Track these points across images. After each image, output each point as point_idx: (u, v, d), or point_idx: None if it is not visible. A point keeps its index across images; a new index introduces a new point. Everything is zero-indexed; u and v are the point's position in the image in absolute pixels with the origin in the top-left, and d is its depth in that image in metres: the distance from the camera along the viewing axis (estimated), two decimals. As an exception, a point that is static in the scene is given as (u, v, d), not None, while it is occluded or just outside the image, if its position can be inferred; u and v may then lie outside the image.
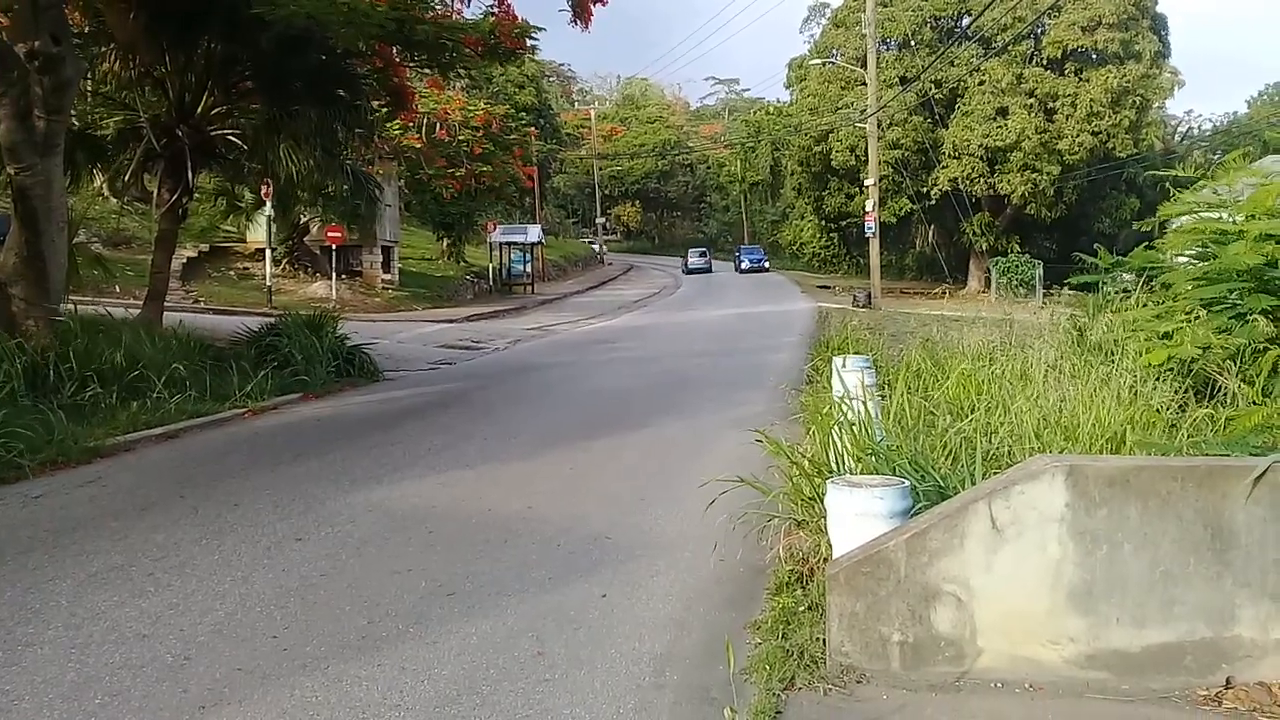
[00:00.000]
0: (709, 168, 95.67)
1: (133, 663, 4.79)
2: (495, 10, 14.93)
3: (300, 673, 4.71)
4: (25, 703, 4.35)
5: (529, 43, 15.63)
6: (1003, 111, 44.00)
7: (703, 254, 68.75)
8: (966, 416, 7.09)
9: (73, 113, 14.61)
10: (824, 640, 4.75)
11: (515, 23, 14.89)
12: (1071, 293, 16.84)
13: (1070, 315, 13.24)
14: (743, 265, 65.74)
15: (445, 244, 44.29)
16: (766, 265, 66.11)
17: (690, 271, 64.71)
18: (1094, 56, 44.29)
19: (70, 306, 12.77)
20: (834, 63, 50.52)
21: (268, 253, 27.75)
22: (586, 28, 14.45)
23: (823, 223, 58.03)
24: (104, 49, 15.08)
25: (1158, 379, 8.38)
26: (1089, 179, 44.99)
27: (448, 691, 4.53)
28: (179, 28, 14.61)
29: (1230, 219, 10.28)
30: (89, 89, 15.79)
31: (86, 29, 14.99)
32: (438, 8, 14.78)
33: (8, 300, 11.39)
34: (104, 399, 10.82)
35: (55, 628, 5.19)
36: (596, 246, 79.04)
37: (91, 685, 4.54)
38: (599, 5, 14.36)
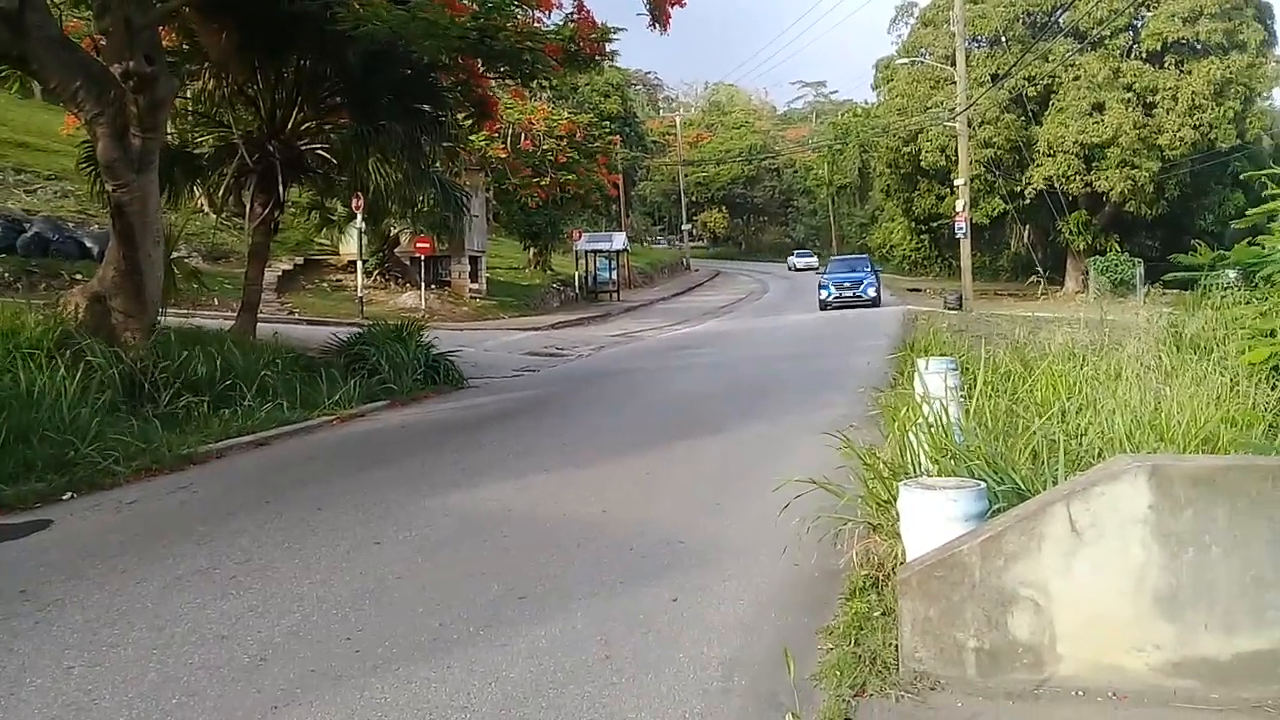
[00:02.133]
0: (796, 172, 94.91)
1: (211, 663, 4.90)
2: (574, 16, 15.02)
3: (371, 674, 4.76)
4: (105, 701, 4.48)
5: (608, 48, 15.73)
6: (1099, 107, 42.79)
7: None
8: (1054, 418, 6.87)
9: (170, 131, 15.17)
10: (897, 646, 4.64)
11: (594, 27, 14.96)
12: (1173, 291, 16.29)
13: (1169, 314, 12.78)
14: (826, 296, 36.77)
15: (532, 253, 44.75)
16: (873, 292, 37.23)
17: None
18: (1196, 48, 42.83)
19: (166, 318, 13.22)
20: (922, 62, 49.78)
21: (359, 264, 28.34)
22: (665, 30, 14.45)
23: (913, 225, 57.17)
24: (198, 68, 15.60)
25: (1259, 378, 8.03)
26: (1191, 174, 43.42)
27: (515, 694, 4.54)
28: (269, 46, 15.03)
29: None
30: (186, 108, 16.35)
31: (182, 48, 15.53)
32: (519, 16, 14.92)
33: (107, 312, 11.82)
34: (197, 408, 11.13)
35: (139, 629, 5.34)
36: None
37: (170, 685, 4.65)
38: (677, 7, 14.35)
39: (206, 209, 23.65)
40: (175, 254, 15.99)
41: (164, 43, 13.83)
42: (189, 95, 16.10)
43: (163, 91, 12.16)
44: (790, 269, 75.98)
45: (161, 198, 14.13)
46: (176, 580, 6.15)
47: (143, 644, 5.14)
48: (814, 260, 76.69)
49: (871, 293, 37.14)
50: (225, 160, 16.10)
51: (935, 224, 53.04)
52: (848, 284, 37.10)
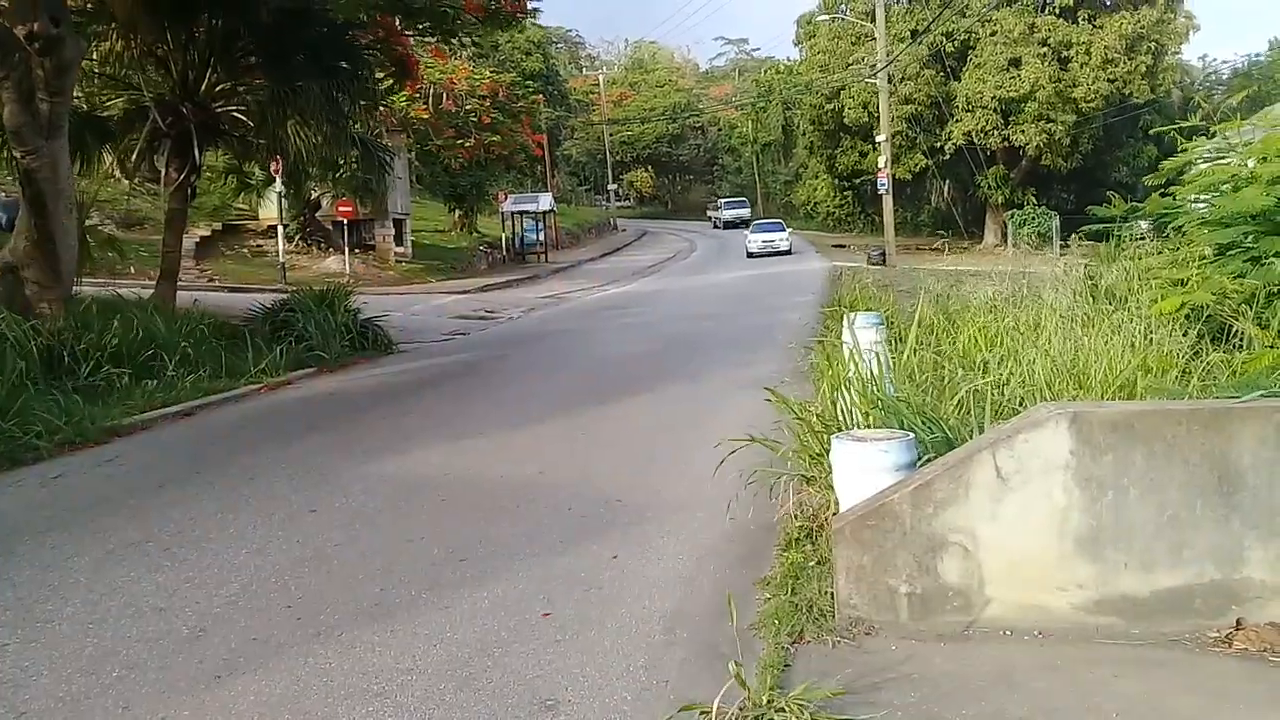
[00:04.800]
0: (720, 130, 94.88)
1: (149, 636, 4.85)
2: (495, -27, 14.83)
3: (314, 640, 4.76)
4: (44, 678, 4.42)
5: (530, 5, 15.54)
6: (1015, 62, 43.38)
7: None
8: (978, 369, 7.07)
9: (77, 95, 14.62)
10: (832, 594, 4.77)
11: (515, -15, 14.81)
12: (1088, 243, 16.71)
13: (1085, 265, 13.14)
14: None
15: (457, 215, 44.20)
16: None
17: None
18: (1107, 3, 43.64)
19: (83, 288, 12.86)
20: (843, 18, 49.92)
21: (280, 229, 27.73)
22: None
23: (836, 181, 57.55)
24: (104, 28, 15.02)
25: (1172, 325, 8.32)
26: (1105, 127, 44.39)
27: (459, 654, 4.58)
28: (177, 4, 14.55)
29: (1243, 163, 10.16)
30: (93, 70, 15.78)
31: (87, 7, 14.95)
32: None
33: (20, 284, 11.48)
34: (119, 379, 10.88)
35: (74, 604, 5.26)
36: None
37: (109, 659, 4.60)
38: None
39: (118, 175, 22.95)
40: (88, 222, 15.52)
41: (68, 2, 13.31)
42: (95, 57, 15.51)
43: (70, 53, 11.73)
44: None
45: (72, 164, 13.67)
46: (109, 554, 6.06)
47: (78, 619, 5.07)
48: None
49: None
50: (137, 124, 15.61)
51: (858, 180, 53.49)
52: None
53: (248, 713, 4.09)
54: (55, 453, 8.76)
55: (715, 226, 64.37)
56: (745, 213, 62.03)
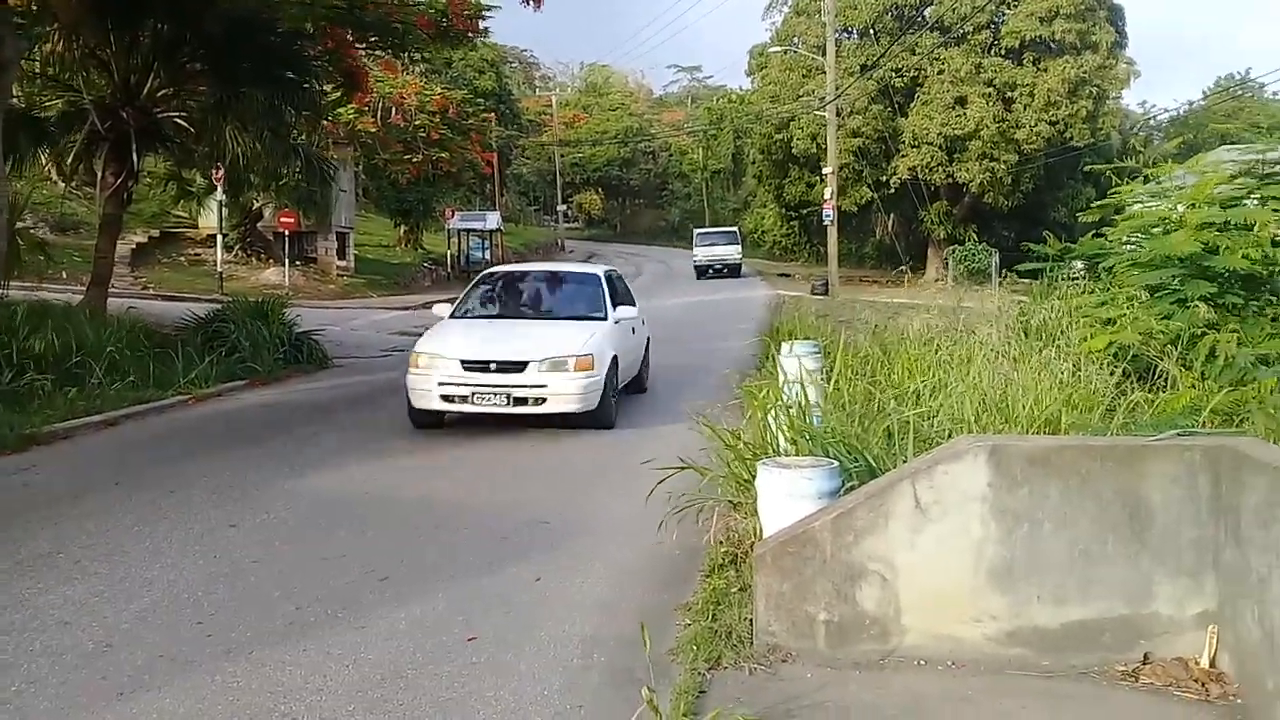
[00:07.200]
0: (671, 155, 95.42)
1: (52, 650, 4.71)
2: (448, -11, 14.80)
3: (224, 658, 4.65)
4: (-65, 691, 4.27)
5: (481, 24, 15.53)
6: (961, 101, 44.22)
7: None
8: (908, 400, 7.14)
9: (15, 94, 14.32)
10: (752, 620, 4.76)
11: (467, 3, 14.76)
12: (1025, 281, 17.01)
13: (1020, 302, 13.36)
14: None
15: (403, 231, 43.92)
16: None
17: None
18: (1052, 46, 44.61)
19: (9, 292, 12.53)
20: (795, 51, 50.47)
21: (219, 239, 27.34)
22: (539, 7, 14.29)
23: (783, 211, 58.06)
24: (47, 29, 14.73)
25: (1099, 364, 8.48)
26: (1046, 168, 45.35)
27: (372, 675, 4.49)
28: (123, 8, 14.32)
29: (1174, 208, 10.43)
30: (33, 70, 15.46)
31: (30, 8, 14.65)
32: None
33: (-57, 284, 11.16)
34: (41, 386, 10.61)
35: (-26, 615, 5.10)
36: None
37: (8, 672, 4.46)
38: (549, -16, 14.24)
39: (54, 177, 22.49)
40: (20, 224, 15.16)
41: (9, 2, 13.02)
42: (37, 57, 15.21)
43: (8, 53, 11.51)
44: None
45: (5, 164, 13.36)
46: (17, 565, 5.88)
47: (-23, 631, 4.91)
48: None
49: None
50: (75, 126, 15.31)
51: (805, 211, 53.99)
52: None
53: (148, 732, 3.97)
54: (-31, 459, 8.51)
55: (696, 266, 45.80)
56: (732, 254, 45.14)
